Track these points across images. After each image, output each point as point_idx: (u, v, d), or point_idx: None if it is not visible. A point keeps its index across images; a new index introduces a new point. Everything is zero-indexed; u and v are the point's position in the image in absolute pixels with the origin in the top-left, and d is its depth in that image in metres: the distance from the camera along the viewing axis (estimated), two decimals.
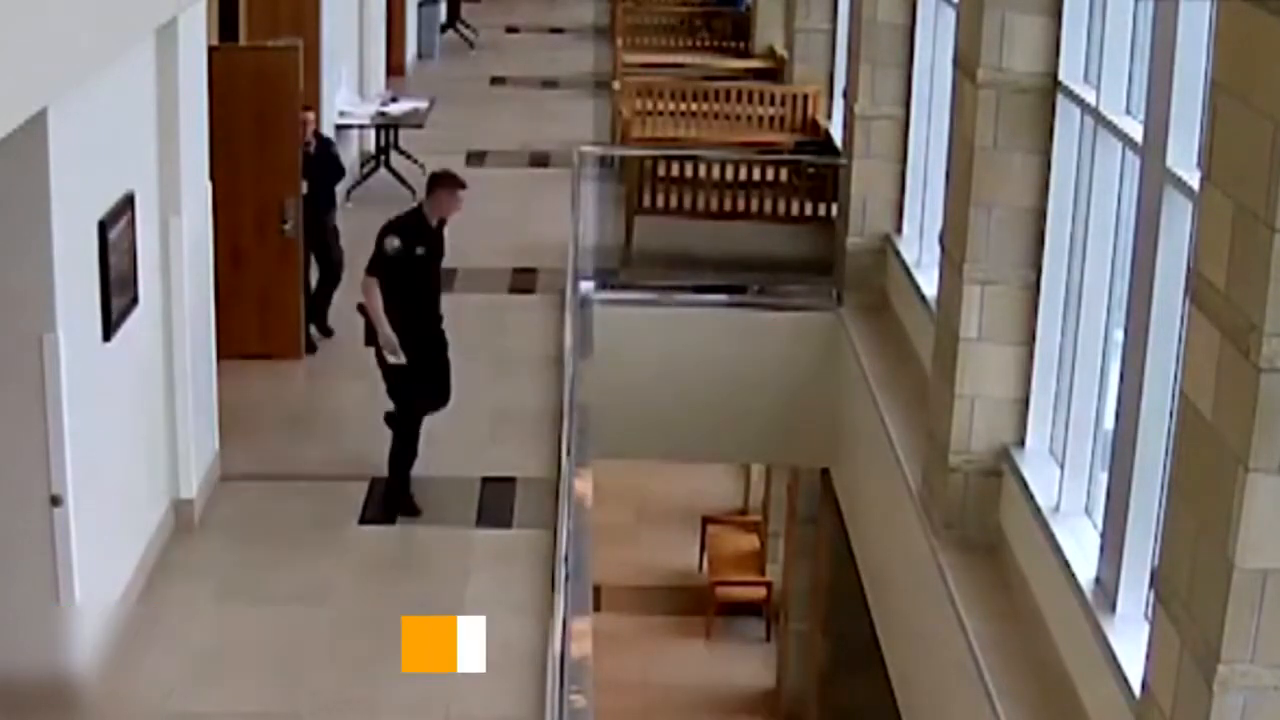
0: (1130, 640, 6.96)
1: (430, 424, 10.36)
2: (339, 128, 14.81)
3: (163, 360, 9.13)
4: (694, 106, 15.31)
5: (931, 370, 9.57)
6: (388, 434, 10.24)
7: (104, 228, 8.02)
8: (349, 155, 14.72)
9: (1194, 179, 5.94)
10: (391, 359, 9.48)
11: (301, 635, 8.57)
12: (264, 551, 9.38)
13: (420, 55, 20.77)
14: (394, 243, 9.42)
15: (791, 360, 11.93)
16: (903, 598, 10.33)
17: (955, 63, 8.96)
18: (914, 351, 11.02)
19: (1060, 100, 8.19)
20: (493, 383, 11.47)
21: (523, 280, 13.25)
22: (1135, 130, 7.12)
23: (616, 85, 16.40)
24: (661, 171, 13.36)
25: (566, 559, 8.37)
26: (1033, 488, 8.52)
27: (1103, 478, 8.24)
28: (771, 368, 11.97)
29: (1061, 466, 8.73)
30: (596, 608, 10.87)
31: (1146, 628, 6.19)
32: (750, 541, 18.53)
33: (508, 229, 14.17)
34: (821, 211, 13.22)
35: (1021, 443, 9.01)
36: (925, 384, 9.90)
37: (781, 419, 12.05)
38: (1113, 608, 7.28)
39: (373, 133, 15.48)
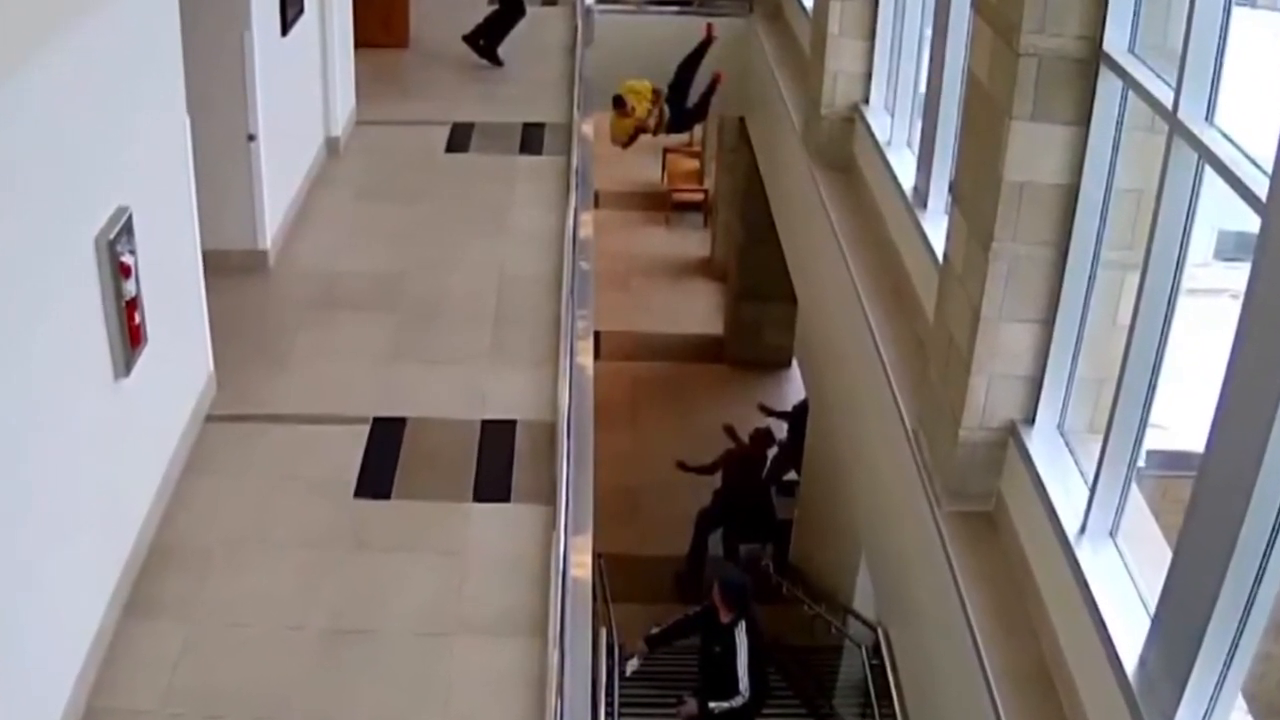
0: None
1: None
2: None
3: (320, 48, 9.78)
4: None
5: (809, 53, 10.39)
6: None
7: None
8: None
9: None
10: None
11: (407, 224, 9.36)
12: (387, 168, 10.13)
13: None
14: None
15: (718, 44, 12.00)
16: (788, 195, 11.46)
17: None
18: (798, 40, 11.67)
19: None
20: (529, 62, 12.35)
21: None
22: None
23: None
24: None
25: (577, 173, 9.24)
26: (873, 127, 9.02)
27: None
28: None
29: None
30: (596, 205, 12.01)
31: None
32: (694, 163, 20.69)
33: None
34: None
35: (866, 100, 9.45)
36: (804, 61, 10.80)
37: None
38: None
39: None
